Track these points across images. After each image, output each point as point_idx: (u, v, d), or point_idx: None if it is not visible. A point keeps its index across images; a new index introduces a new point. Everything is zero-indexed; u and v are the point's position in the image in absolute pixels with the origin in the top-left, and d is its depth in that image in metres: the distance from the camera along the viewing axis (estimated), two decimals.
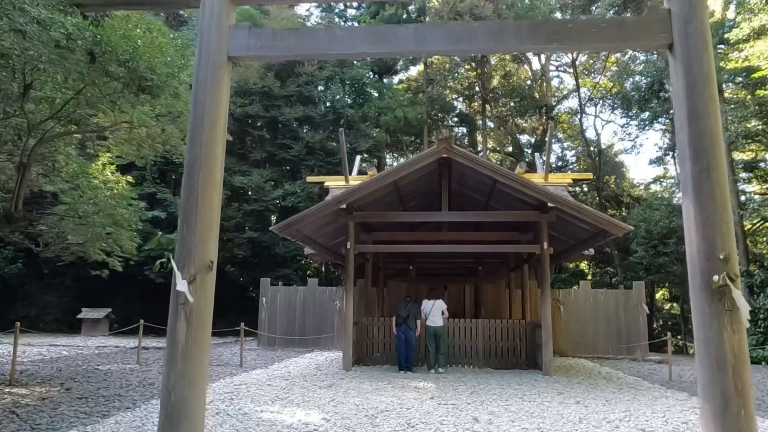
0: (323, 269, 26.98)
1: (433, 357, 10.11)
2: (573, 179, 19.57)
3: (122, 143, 9.45)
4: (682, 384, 9.85)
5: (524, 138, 35.28)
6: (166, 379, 3.54)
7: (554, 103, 32.81)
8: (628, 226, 9.04)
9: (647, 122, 22.40)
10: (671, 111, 21.80)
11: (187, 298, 3.55)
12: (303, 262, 25.41)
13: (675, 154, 22.36)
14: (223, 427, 5.58)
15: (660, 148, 25.69)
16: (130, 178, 10.93)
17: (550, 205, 9.25)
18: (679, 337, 22.05)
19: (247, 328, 11.97)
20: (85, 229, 9.66)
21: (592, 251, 14.50)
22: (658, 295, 26.94)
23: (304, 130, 24.16)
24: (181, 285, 3.51)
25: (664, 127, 23.01)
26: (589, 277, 29.62)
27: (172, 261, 3.67)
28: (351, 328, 10.26)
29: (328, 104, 26.37)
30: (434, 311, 10.30)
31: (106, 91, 7.36)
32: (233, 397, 7.21)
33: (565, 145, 36.03)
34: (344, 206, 9.67)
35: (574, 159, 35.46)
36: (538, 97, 31.13)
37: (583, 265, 29.30)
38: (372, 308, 14.38)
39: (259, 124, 24.82)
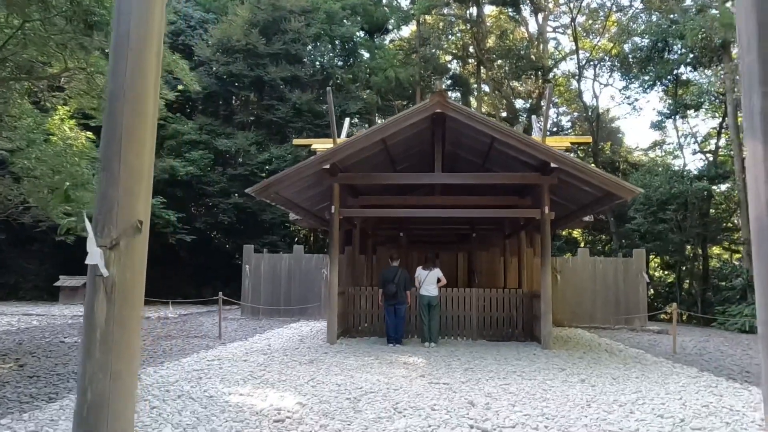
0: (311, 236, 26.22)
1: (427, 328, 9.43)
2: (571, 143, 18.76)
3: (81, 95, 8.48)
4: (688, 357, 9.27)
5: (519, 103, 34.26)
6: (82, 372, 2.76)
7: (551, 65, 31.70)
8: (638, 189, 8.28)
9: (649, 84, 21.46)
10: (675, 72, 20.91)
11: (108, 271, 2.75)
12: (291, 228, 24.61)
13: (677, 118, 21.55)
14: (183, 414, 4.85)
15: (659, 113, 24.83)
16: (90, 134, 9.93)
17: (553, 165, 8.45)
18: (674, 305, 21.58)
19: (225, 298, 11.22)
20: (44, 189, 8.77)
21: (591, 218, 13.81)
22: (651, 263, 26.47)
23: (291, 91, 23.02)
24: (92, 253, 2.70)
25: (665, 89, 22.09)
26: (582, 244, 29.11)
27: (87, 221, 2.85)
28: (336, 299, 9.53)
29: (316, 64, 25.18)
30: (429, 279, 9.58)
31: (51, 31, 6.39)
32: (202, 376, 6.49)
33: (561, 110, 35.04)
34: (327, 166, 8.81)
35: (569, 124, 34.56)
36: (534, 59, 29.98)
37: (576, 233, 28.71)
38: (360, 277, 13.68)
39: (243, 83, 23.63)
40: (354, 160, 9.84)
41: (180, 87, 11.78)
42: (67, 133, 8.99)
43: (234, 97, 24.89)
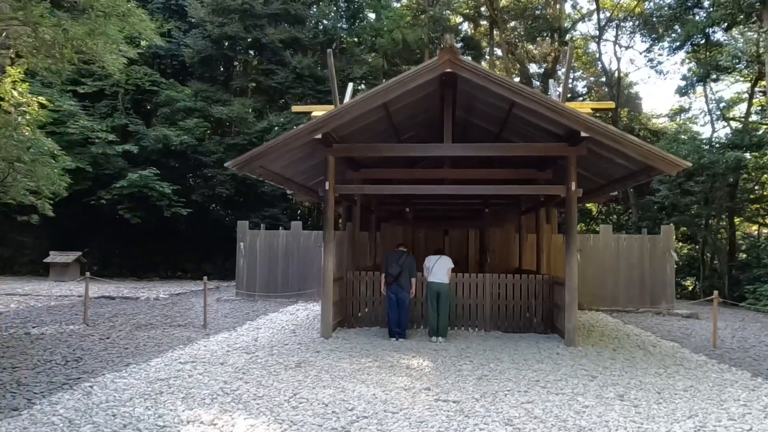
0: (315, 210, 25.08)
1: (434, 321, 8.31)
2: (592, 108, 17.29)
3: (31, 53, 7.25)
4: (731, 353, 8.14)
5: (533, 68, 32.51)
6: None
7: (568, 27, 29.86)
8: (684, 162, 7.00)
9: (677, 45, 19.77)
10: (706, 30, 19.18)
11: None
12: (293, 201, 23.48)
13: (708, 81, 19.91)
14: None
15: (684, 77, 23.13)
16: (42, 99, 8.73)
17: (583, 134, 7.17)
18: (697, 283, 20.42)
19: (210, 282, 10.16)
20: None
21: (615, 192, 12.54)
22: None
23: (291, 54, 21.58)
24: None
25: (695, 50, 20.37)
26: (595, 216, 27.77)
27: None
28: (331, 285, 8.42)
29: (318, 25, 23.62)
30: (438, 266, 8.43)
31: None
32: (164, 390, 5.42)
33: (576, 75, 33.24)
34: (320, 136, 7.58)
35: (585, 90, 32.86)
36: (551, 19, 28.16)
37: (591, 205, 27.29)
38: (362, 257, 12.57)
39: (239, 47, 22.20)
40: (351, 129, 8.60)
41: (143, 42, 10.44)
42: (18, 99, 7.78)
43: (230, 62, 23.49)
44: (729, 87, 23.22)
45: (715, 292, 8.99)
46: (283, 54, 21.55)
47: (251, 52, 22.66)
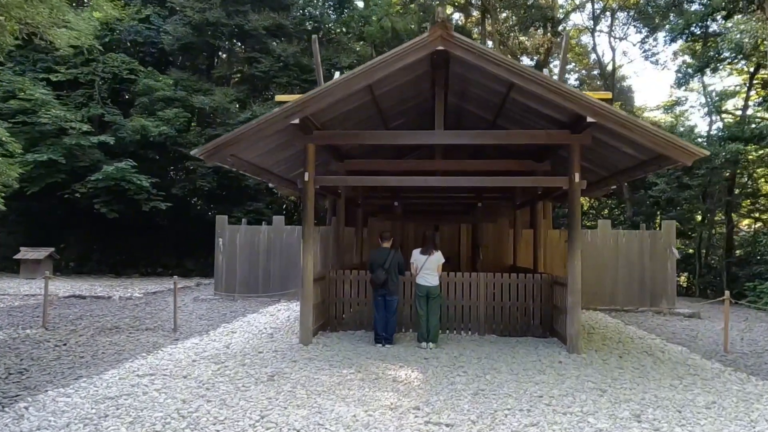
0: (301, 204, 24.24)
1: (424, 325, 7.59)
2: None
3: None
4: (745, 359, 7.53)
5: (525, 60, 31.82)
6: None
7: (560, 18, 29.20)
8: (702, 150, 6.31)
9: (676, 34, 19.13)
10: (707, 19, 18.56)
11: None
12: (278, 195, 22.64)
13: (707, 72, 19.30)
14: None
15: (679, 69, 22.56)
16: None
17: (590, 119, 6.46)
18: (692, 279, 19.88)
19: (180, 279, 9.38)
20: None
21: (615, 186, 11.89)
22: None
23: (276, 42, 20.70)
24: None
25: (694, 39, 19.74)
26: (586, 210, 27.17)
27: None
28: (311, 287, 7.67)
29: (304, 12, 22.74)
30: (428, 265, 7.70)
31: None
32: (109, 413, 4.66)
33: (569, 67, 32.63)
34: (297, 121, 6.81)
35: (577, 83, 32.29)
36: (543, 9, 27.47)
37: (583, 199, 26.63)
38: (347, 254, 11.83)
39: (221, 33, 21.25)
40: (334, 114, 7.84)
41: (96, 14, 9.60)
42: None
43: (212, 50, 22.55)
44: (722, 80, 22.76)
45: (726, 293, 8.35)
46: (268, 41, 20.66)
47: (234, 39, 21.73)
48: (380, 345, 7.55)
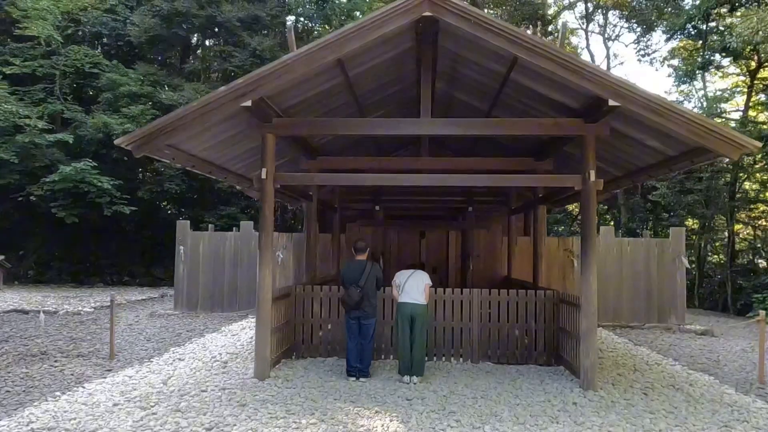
0: (278, 209, 22.82)
1: (407, 354, 6.23)
2: None
3: None
4: None
5: None
6: None
7: (551, 17, 28.16)
8: (754, 142, 5.06)
9: (675, 30, 18.08)
10: (710, 13, 17.50)
11: None
12: (254, 198, 21.20)
13: (710, 69, 18.27)
14: None
15: (677, 67, 21.59)
16: None
17: (612, 103, 5.18)
18: (695, 291, 18.76)
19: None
20: None
21: (622, 187, 10.68)
22: None
23: (251, 35, 19.32)
24: None
25: (694, 35, 18.70)
26: (576, 215, 26.02)
27: None
28: (269, 308, 6.31)
29: (281, 2, 21.35)
30: (413, 283, 6.36)
31: None
32: None
33: None
34: (249, 103, 5.45)
35: None
36: (535, 5, 26.41)
37: (571, 206, 25.34)
38: (322, 264, 10.46)
39: (191, 25, 19.81)
40: (298, 99, 6.52)
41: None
42: None
43: (182, 43, 21.09)
44: (715, 84, 21.93)
45: (761, 312, 7.12)
46: (242, 34, 19.27)
47: (206, 31, 20.31)
48: (353, 378, 6.20)
